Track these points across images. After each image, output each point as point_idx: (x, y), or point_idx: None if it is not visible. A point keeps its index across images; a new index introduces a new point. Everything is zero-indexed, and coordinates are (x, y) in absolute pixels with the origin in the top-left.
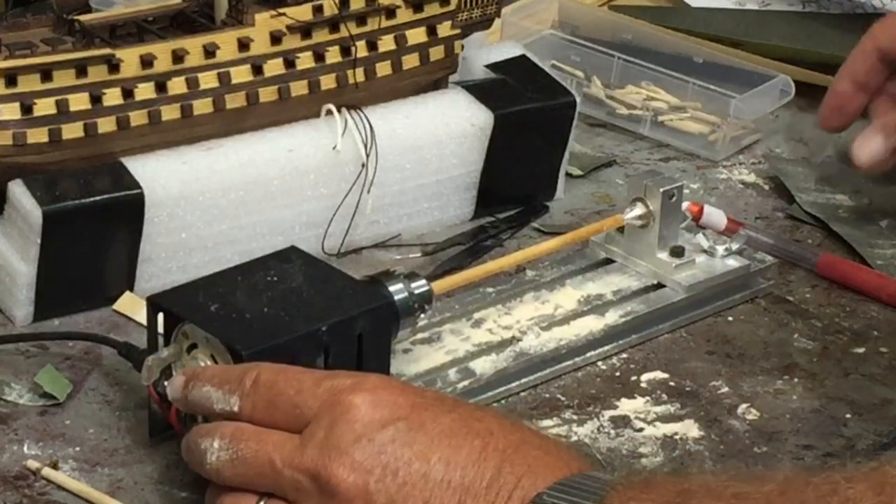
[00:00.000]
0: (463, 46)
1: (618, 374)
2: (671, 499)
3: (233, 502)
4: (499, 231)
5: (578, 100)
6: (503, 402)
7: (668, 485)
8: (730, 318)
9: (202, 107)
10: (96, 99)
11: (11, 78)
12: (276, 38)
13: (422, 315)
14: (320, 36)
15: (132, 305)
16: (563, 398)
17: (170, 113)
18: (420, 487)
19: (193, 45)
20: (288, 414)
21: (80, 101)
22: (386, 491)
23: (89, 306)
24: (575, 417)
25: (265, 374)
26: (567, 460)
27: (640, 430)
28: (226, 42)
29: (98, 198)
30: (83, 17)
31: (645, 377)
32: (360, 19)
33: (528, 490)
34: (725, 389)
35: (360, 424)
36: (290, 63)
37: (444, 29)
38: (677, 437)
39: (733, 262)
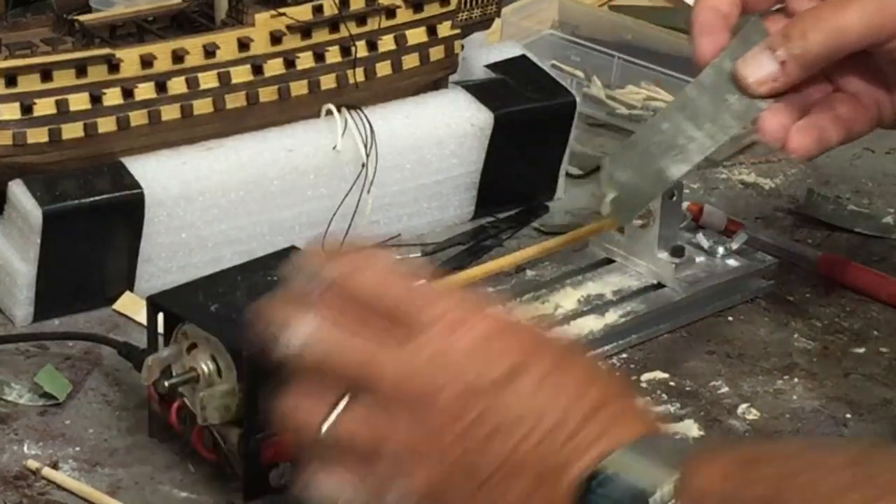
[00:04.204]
0: (463, 46)
1: (618, 373)
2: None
3: (311, 401)
4: (499, 231)
5: (578, 100)
6: None
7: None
8: (730, 318)
9: (202, 107)
10: (96, 99)
11: (11, 78)
12: (276, 38)
13: None
14: (320, 36)
15: (132, 305)
16: None
17: (170, 113)
18: (510, 424)
19: (193, 45)
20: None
21: (80, 101)
22: (481, 424)
23: (89, 306)
24: None
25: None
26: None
27: None
28: (226, 42)
29: (98, 198)
30: (83, 17)
31: (645, 377)
32: (360, 19)
33: (606, 445)
34: (725, 389)
35: (463, 356)
36: (290, 63)
37: (444, 29)
38: (677, 437)
39: (733, 262)
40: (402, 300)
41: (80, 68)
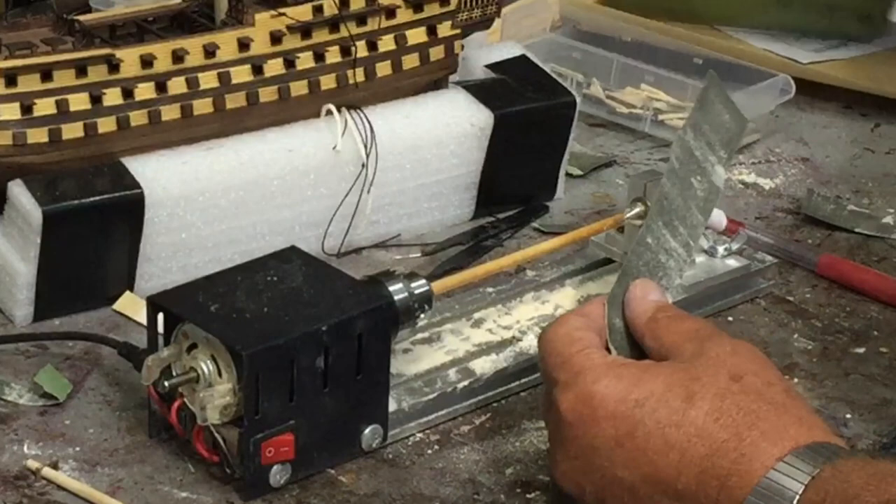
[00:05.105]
0: (463, 46)
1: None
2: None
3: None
4: (499, 231)
5: (578, 100)
6: (503, 402)
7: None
8: (730, 318)
9: (202, 107)
10: (96, 99)
11: (11, 78)
12: (276, 38)
13: (422, 315)
14: (320, 36)
15: (132, 305)
16: None
17: (170, 113)
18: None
19: (193, 45)
20: None
21: (80, 101)
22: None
23: (89, 306)
24: None
25: None
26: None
27: None
28: (226, 42)
29: (98, 198)
30: (83, 17)
31: None
32: (360, 19)
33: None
34: None
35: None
36: (290, 63)
37: (444, 29)
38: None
39: (733, 262)
40: None
41: (80, 68)
